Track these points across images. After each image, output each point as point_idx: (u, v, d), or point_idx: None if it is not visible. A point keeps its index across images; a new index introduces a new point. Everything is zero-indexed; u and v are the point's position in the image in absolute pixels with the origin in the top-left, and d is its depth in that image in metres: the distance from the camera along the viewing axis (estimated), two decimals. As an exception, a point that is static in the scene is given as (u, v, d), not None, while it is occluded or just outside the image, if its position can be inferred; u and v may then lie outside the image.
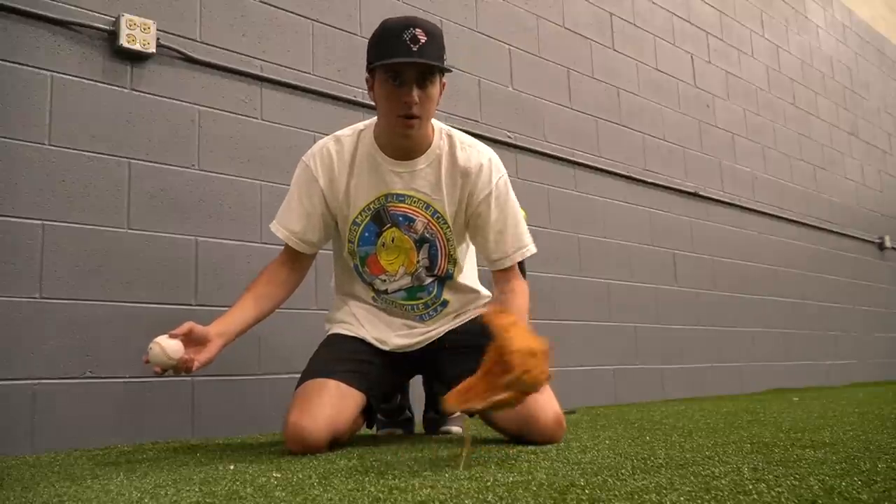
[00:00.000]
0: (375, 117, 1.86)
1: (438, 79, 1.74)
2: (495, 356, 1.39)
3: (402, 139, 1.79)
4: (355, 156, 1.85)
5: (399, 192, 1.84)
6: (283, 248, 1.93)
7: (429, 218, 1.86)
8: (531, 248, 1.92)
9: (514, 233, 1.89)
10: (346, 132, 1.89)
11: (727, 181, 4.65)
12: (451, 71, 1.75)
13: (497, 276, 1.92)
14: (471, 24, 3.31)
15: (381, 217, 1.86)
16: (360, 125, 1.89)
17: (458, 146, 1.86)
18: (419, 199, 1.85)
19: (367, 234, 1.87)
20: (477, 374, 1.41)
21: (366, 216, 1.86)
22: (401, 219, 1.86)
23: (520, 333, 1.41)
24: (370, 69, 1.76)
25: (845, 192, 5.90)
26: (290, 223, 1.88)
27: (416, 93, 1.69)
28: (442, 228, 1.87)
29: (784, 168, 5.23)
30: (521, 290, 1.88)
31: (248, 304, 1.82)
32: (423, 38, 1.66)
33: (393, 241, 1.87)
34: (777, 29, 5.49)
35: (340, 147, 1.86)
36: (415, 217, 1.85)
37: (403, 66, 1.68)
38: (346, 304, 2.01)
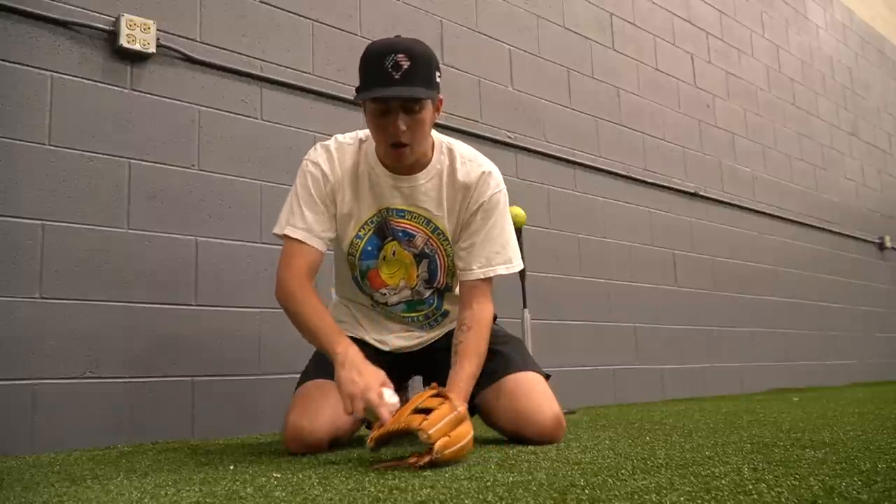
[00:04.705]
0: None
1: (429, 101, 1.68)
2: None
3: (395, 165, 1.76)
4: (357, 167, 1.80)
5: (399, 207, 1.81)
6: (292, 255, 1.74)
7: (429, 234, 1.83)
8: (498, 270, 1.81)
9: (489, 250, 1.81)
10: (348, 140, 1.82)
11: (727, 181, 4.64)
12: (437, 95, 1.68)
13: (462, 289, 1.84)
14: (471, 24, 3.31)
15: (383, 231, 1.82)
16: (362, 134, 1.83)
17: (458, 160, 1.82)
18: (420, 215, 1.82)
19: (369, 248, 1.84)
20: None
21: (368, 230, 1.82)
22: (400, 234, 1.83)
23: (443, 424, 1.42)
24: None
25: (845, 192, 5.90)
26: (307, 222, 1.74)
27: (402, 121, 1.63)
28: (442, 245, 1.85)
29: (784, 168, 5.23)
30: (476, 330, 1.76)
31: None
32: (405, 64, 1.59)
33: (394, 254, 1.84)
34: (777, 29, 5.49)
35: (343, 154, 1.79)
36: (415, 233, 1.83)
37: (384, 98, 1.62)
38: (346, 305, 2.01)
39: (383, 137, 1.68)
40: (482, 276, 1.81)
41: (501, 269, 1.82)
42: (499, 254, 1.82)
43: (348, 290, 1.97)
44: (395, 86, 1.59)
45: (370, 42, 1.70)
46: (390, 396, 1.53)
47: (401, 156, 1.70)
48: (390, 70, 1.59)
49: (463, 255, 1.83)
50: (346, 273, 1.92)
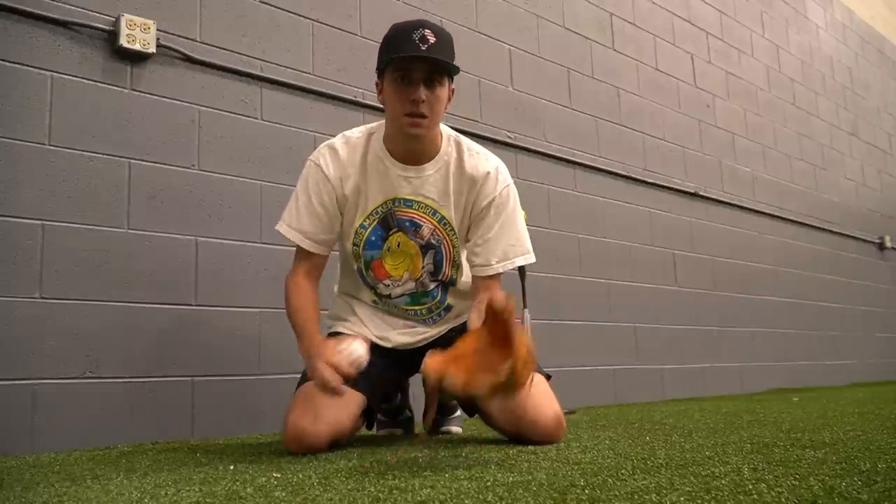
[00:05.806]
0: (384, 120, 1.83)
1: (447, 82, 1.74)
2: (497, 335, 1.31)
3: (410, 140, 1.77)
4: (366, 158, 1.82)
5: (407, 197, 1.82)
6: (296, 254, 1.85)
7: (435, 224, 1.85)
8: (516, 262, 1.86)
9: (505, 243, 1.84)
10: (356, 133, 1.86)
11: (727, 181, 4.64)
12: (458, 71, 1.73)
13: (476, 283, 1.86)
14: (471, 24, 3.31)
15: (388, 221, 1.84)
16: (371, 126, 1.87)
17: (465, 153, 1.85)
18: (426, 205, 1.83)
19: (373, 239, 1.85)
20: (467, 344, 1.35)
21: (373, 220, 1.84)
22: (407, 224, 1.84)
23: (520, 329, 1.38)
24: (379, 72, 1.76)
25: (845, 192, 5.90)
26: (301, 224, 1.81)
27: (423, 92, 1.68)
28: (448, 235, 1.86)
29: (784, 168, 5.23)
30: None
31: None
32: (431, 39, 1.66)
33: (398, 245, 1.86)
34: (777, 29, 5.49)
35: (350, 147, 1.83)
36: (421, 223, 1.84)
37: (412, 63, 1.67)
38: (348, 302, 2.01)
39: (402, 106, 1.71)
40: (501, 270, 1.84)
41: (520, 261, 1.86)
42: (515, 246, 1.85)
43: (351, 285, 1.98)
44: (421, 54, 1.66)
45: (393, 24, 1.76)
46: (357, 348, 1.57)
47: (417, 126, 1.72)
48: (418, 42, 1.66)
49: (479, 251, 1.84)
50: (349, 265, 1.94)
